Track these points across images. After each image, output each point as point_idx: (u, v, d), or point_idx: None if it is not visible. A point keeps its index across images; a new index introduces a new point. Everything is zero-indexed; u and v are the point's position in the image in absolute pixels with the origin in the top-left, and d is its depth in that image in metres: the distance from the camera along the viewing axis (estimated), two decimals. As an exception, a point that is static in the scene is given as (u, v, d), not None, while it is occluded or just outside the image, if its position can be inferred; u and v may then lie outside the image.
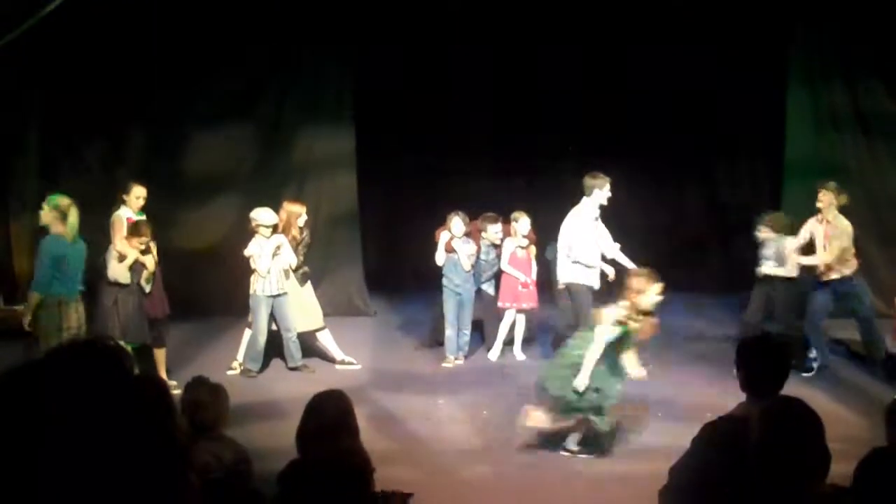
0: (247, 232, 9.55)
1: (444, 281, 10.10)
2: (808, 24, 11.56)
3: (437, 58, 12.66)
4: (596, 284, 9.34)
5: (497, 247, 10.20)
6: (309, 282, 9.90)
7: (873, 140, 11.77)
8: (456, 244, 9.99)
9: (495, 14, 12.17)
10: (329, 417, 4.19)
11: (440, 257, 10.08)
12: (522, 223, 10.07)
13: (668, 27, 12.28)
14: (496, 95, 12.93)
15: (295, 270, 9.65)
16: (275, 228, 9.41)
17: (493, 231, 10.09)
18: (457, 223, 9.95)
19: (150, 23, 11.33)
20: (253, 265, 9.36)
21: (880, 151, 11.78)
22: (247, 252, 9.40)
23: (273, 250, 9.32)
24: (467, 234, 10.01)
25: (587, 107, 12.98)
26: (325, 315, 10.13)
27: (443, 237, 10.05)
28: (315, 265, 10.44)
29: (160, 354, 9.01)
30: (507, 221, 10.13)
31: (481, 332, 10.62)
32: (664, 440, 7.11)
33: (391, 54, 12.61)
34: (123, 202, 8.98)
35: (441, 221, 10.10)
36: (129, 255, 8.59)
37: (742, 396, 4.20)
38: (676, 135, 13.23)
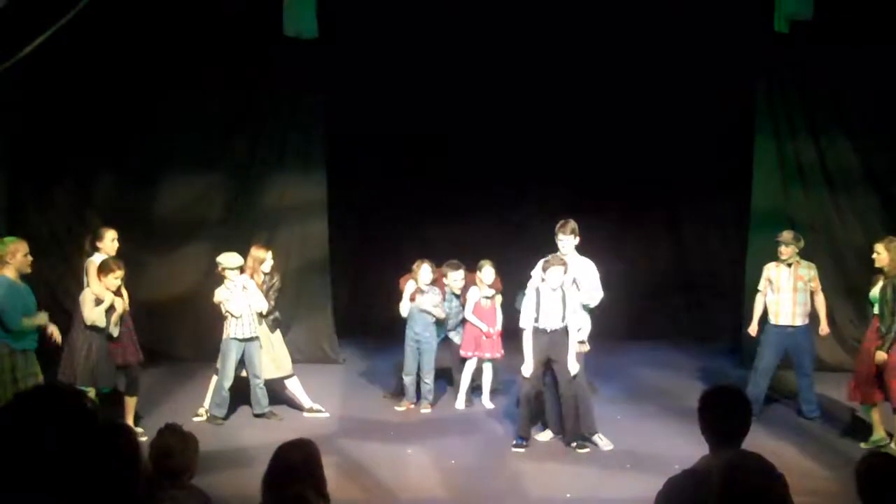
0: (216, 278, 9.50)
1: (406, 329, 10.08)
2: (772, 75, 11.67)
3: (410, 106, 12.71)
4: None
5: (459, 295, 10.17)
6: (279, 329, 9.85)
7: (837, 194, 11.78)
8: (420, 294, 9.98)
9: (464, 66, 12.28)
10: (295, 466, 4.16)
11: (405, 308, 10.02)
12: (486, 272, 10.01)
13: (637, 71, 12.43)
14: (467, 144, 12.98)
15: (265, 316, 9.58)
16: (241, 271, 9.37)
17: (454, 278, 10.05)
18: (425, 271, 9.93)
19: (123, 67, 11.33)
20: (224, 309, 9.31)
21: (844, 205, 11.78)
22: (216, 298, 9.33)
23: (240, 290, 9.27)
24: (433, 283, 10.00)
25: (556, 153, 13.08)
26: (294, 362, 10.05)
27: (408, 287, 10.00)
28: (285, 312, 10.39)
29: (131, 402, 8.86)
30: (472, 270, 10.12)
31: (450, 380, 10.59)
32: (632, 493, 7.10)
33: (363, 101, 12.66)
34: (97, 248, 8.86)
35: (409, 269, 10.09)
36: (105, 298, 8.41)
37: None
38: (643, 180, 13.37)
